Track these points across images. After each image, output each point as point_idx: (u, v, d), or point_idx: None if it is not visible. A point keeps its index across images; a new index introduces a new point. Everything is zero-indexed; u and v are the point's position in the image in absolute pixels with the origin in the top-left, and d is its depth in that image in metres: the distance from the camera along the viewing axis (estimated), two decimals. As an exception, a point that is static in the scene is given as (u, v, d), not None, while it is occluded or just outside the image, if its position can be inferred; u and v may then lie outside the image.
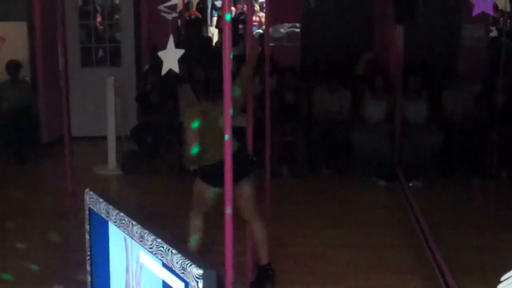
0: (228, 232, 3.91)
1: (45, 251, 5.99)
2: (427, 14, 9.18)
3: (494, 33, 12.50)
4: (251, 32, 5.48)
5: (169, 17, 4.18)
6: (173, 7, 4.48)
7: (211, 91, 5.02)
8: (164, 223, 6.05)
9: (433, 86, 8.97)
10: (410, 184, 7.90)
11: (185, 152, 5.05)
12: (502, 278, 2.64)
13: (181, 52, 3.78)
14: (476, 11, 3.81)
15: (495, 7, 12.85)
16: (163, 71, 3.85)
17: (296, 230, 6.54)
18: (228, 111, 3.67)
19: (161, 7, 4.14)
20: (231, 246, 3.92)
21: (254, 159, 5.23)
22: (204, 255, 5.41)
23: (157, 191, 8.00)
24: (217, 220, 5.27)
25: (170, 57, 3.76)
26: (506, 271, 2.65)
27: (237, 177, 4.57)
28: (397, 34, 8.57)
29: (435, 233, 6.01)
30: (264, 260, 5.26)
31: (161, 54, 3.84)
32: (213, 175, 4.93)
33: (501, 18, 13.52)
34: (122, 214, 2.28)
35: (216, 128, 4.69)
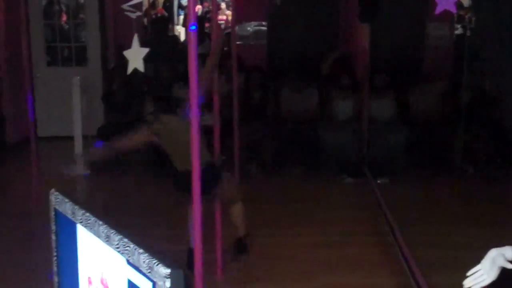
0: (197, 231, 3.90)
1: (13, 252, 5.92)
2: (392, 12, 9.26)
3: (459, 31, 12.62)
4: (217, 24, 5.45)
5: (133, 16, 4.15)
6: (138, 6, 4.46)
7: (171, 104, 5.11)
8: (132, 222, 6.02)
9: (399, 84, 9.04)
10: (378, 181, 7.95)
11: None
12: (468, 273, 2.67)
13: (146, 50, 3.76)
14: (438, 9, 3.85)
15: (460, 4, 12.98)
16: (129, 70, 3.82)
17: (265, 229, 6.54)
18: (196, 112, 3.66)
19: (125, 6, 4.10)
20: (200, 245, 3.91)
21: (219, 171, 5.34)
22: (173, 254, 5.40)
23: (124, 190, 7.96)
24: (186, 218, 5.27)
25: (135, 56, 3.74)
26: (472, 266, 2.68)
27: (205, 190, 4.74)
28: (363, 33, 8.61)
29: (403, 229, 6.06)
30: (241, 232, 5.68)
31: (126, 53, 3.81)
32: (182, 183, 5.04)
33: (466, 16, 13.66)
34: (88, 214, 2.26)
35: (178, 140, 4.93)
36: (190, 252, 5.39)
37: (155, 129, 5.10)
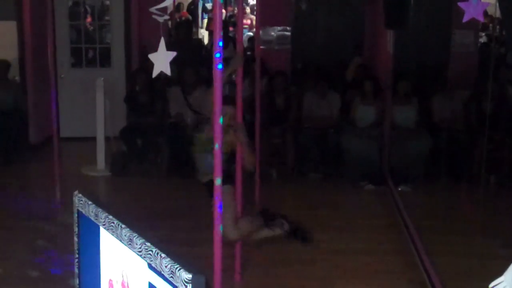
0: (217, 234, 3.91)
1: (34, 253, 5.95)
2: (417, 20, 9.22)
3: (483, 39, 12.55)
4: (242, 34, 5.46)
5: (161, 19, 4.16)
6: (164, 9, 4.46)
7: None
8: (152, 225, 6.05)
9: (422, 91, 9.00)
10: (399, 189, 7.91)
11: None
12: (491, 285, 2.64)
13: (173, 54, 3.77)
14: (466, 17, 3.83)
15: (485, 13, 12.90)
16: (154, 73, 3.83)
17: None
18: (218, 117, 3.67)
19: (152, 9, 4.11)
20: (219, 249, 3.92)
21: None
22: (192, 258, 5.40)
23: (145, 192, 7.98)
24: (206, 222, 5.28)
25: (162, 59, 3.75)
26: (494, 277, 2.65)
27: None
28: (388, 39, 8.59)
29: (423, 238, 6.02)
30: None
31: (151, 56, 3.82)
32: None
33: (491, 24, 13.58)
34: (111, 217, 2.27)
35: None
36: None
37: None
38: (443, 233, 6.53)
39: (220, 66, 3.63)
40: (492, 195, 7.71)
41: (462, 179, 8.13)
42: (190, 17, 15.24)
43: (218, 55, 3.61)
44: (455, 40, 10.53)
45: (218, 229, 3.91)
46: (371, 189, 8.16)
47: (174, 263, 1.90)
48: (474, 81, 9.49)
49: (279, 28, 10.86)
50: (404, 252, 6.05)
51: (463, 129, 8.52)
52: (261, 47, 9.01)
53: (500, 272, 2.66)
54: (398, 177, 8.13)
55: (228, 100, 5.05)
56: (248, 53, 10.68)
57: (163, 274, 1.93)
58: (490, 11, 12.22)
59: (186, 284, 1.82)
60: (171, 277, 1.88)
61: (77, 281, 2.59)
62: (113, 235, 2.24)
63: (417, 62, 10.18)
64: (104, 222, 2.30)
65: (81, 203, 2.48)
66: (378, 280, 5.49)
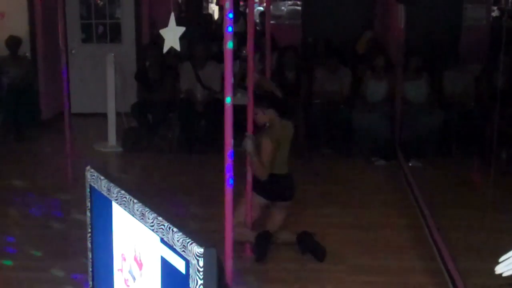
0: (228, 209, 3.93)
1: (48, 227, 5.99)
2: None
3: (495, 13, 12.45)
4: (253, 9, 5.44)
5: (171, -6, 4.17)
6: (175, -16, 4.46)
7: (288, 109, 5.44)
8: (163, 200, 6.08)
9: (433, 66, 8.95)
10: (410, 164, 7.91)
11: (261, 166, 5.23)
12: (501, 259, 2.64)
13: (182, 29, 3.77)
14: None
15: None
16: (165, 49, 3.84)
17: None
18: (229, 93, 3.67)
19: (163, -16, 4.12)
20: (230, 224, 3.94)
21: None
22: (203, 233, 5.44)
23: (157, 168, 8.01)
24: (216, 198, 5.30)
25: (172, 35, 3.75)
26: (504, 252, 2.66)
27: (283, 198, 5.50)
28: (399, 14, 8.54)
29: (434, 213, 6.02)
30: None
31: (162, 31, 3.83)
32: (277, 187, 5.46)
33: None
34: (123, 191, 2.28)
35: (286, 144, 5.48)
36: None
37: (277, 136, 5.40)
38: (454, 208, 6.53)
39: (230, 43, 3.64)
40: (503, 170, 7.69)
41: (473, 154, 8.11)
42: (201, -8, 15.16)
43: (230, 29, 3.60)
44: (467, 14, 10.46)
45: (229, 204, 3.92)
46: (382, 164, 8.16)
47: (186, 237, 1.91)
48: (485, 56, 9.43)
49: (289, 2, 10.82)
50: (414, 227, 6.05)
51: (474, 104, 8.48)
52: (272, 22, 8.99)
53: (511, 246, 2.67)
54: (409, 152, 8.12)
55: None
56: (258, 28, 10.64)
57: (175, 248, 1.94)
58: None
59: (198, 258, 1.83)
60: (183, 251, 1.90)
61: (90, 255, 2.62)
62: (125, 209, 2.25)
63: (429, 37, 10.12)
64: (116, 196, 2.31)
65: (93, 178, 2.49)
66: (389, 255, 5.50)
